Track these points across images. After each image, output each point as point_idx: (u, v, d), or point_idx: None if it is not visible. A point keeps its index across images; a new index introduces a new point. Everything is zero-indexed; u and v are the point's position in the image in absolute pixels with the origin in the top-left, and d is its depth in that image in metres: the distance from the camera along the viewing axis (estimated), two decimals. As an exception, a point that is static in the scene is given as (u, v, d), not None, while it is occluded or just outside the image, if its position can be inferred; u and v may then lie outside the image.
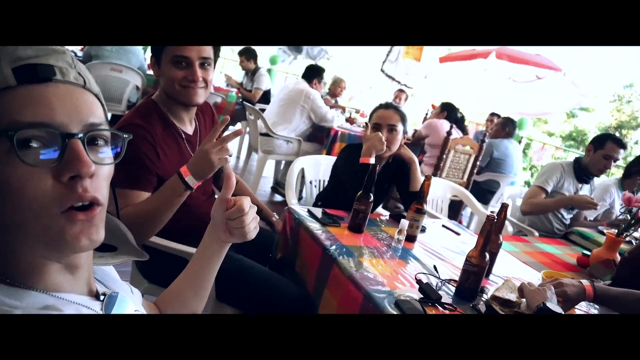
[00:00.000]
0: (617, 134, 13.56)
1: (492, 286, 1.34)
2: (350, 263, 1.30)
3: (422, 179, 1.69)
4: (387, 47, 5.99)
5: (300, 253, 1.54)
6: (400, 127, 1.89)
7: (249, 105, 4.05)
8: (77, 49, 4.70)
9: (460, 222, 4.37)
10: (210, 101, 4.13)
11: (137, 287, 1.54)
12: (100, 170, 0.53)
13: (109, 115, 3.11)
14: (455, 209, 3.78)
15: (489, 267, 1.44)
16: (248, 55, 5.12)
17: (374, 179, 1.54)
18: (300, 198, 3.92)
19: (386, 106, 1.94)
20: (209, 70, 1.38)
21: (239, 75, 5.54)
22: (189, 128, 1.47)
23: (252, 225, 0.80)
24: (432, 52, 5.98)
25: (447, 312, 1.14)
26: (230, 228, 0.79)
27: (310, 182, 2.32)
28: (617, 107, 14.06)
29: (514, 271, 1.58)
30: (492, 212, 3.98)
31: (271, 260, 1.69)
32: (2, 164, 0.47)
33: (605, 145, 2.48)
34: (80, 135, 0.50)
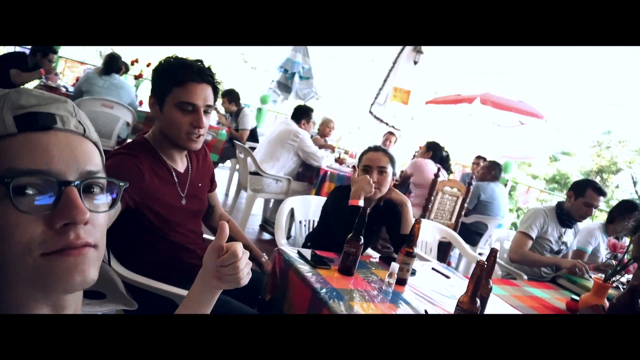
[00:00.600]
0: (599, 178, 13.92)
1: (484, 332, 1.33)
2: (341, 307, 1.28)
3: (412, 221, 1.70)
4: (376, 90, 6.16)
5: (289, 295, 1.52)
6: (389, 169, 1.91)
7: (239, 144, 4.08)
8: (68, 84, 4.73)
9: (449, 264, 4.37)
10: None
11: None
12: (95, 218, 0.53)
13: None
14: (444, 251, 3.78)
15: (480, 312, 1.43)
16: (230, 97, 5.19)
17: (365, 222, 1.54)
18: (288, 237, 3.89)
19: (375, 149, 1.97)
20: (209, 117, 1.41)
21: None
22: (180, 166, 1.47)
23: (246, 271, 0.79)
24: (419, 96, 6.15)
25: None
26: (223, 275, 0.78)
27: (300, 222, 2.31)
28: (597, 153, 14.47)
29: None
30: (480, 253, 3.99)
31: (259, 302, 1.65)
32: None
33: (586, 193, 2.54)
34: (77, 182, 0.51)
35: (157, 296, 1.36)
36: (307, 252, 1.65)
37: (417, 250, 2.45)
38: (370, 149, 1.98)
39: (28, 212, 0.48)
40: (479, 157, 5.46)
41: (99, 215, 0.54)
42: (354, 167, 1.95)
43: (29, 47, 4.32)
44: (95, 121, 3.75)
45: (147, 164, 1.35)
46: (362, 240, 1.54)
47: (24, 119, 0.49)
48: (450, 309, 1.27)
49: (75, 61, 6.15)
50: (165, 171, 1.42)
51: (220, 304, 1.43)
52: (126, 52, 4.81)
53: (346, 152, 5.60)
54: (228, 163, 5.38)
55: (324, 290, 1.37)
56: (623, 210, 2.74)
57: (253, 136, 5.19)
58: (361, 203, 1.80)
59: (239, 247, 0.77)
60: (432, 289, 1.64)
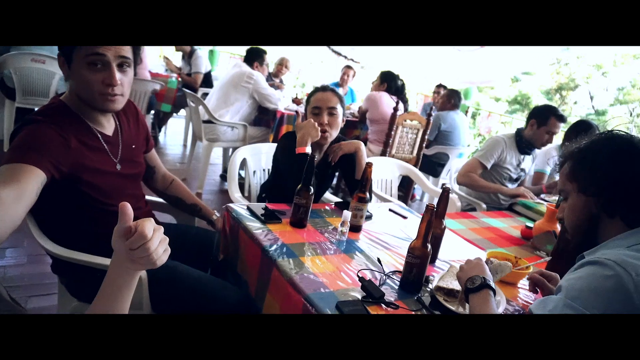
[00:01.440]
0: (558, 96, 14.17)
1: (438, 274, 1.32)
2: (291, 264, 1.24)
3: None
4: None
5: (241, 254, 1.46)
6: (339, 110, 1.82)
7: (189, 92, 3.85)
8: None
9: (413, 197, 4.43)
10: (149, 88, 3.95)
11: (66, 307, 1.43)
12: None
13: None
14: (407, 185, 3.80)
15: (434, 253, 1.42)
16: None
17: (313, 170, 1.47)
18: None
19: (323, 89, 1.86)
20: (128, 72, 1.24)
21: (177, 59, 5.25)
22: (107, 129, 1.33)
23: (160, 250, 0.71)
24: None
25: (390, 310, 1.10)
26: (135, 257, 0.70)
27: (254, 173, 2.23)
28: (556, 70, 14.60)
29: (460, 253, 1.57)
30: (443, 184, 4.05)
31: (212, 262, 1.60)
32: None
33: (549, 122, 2.54)
34: None
35: (94, 268, 1.28)
36: (258, 207, 1.58)
37: (376, 189, 2.44)
38: (318, 89, 1.87)
39: None
40: (439, 86, 5.39)
41: None
42: (296, 112, 1.85)
43: None
44: (26, 77, 3.44)
45: (70, 130, 1.20)
46: (312, 190, 1.48)
47: None
48: (405, 253, 1.24)
49: None
50: (91, 136, 1.27)
51: (166, 270, 1.37)
52: None
53: (303, 88, 5.40)
54: (183, 112, 5.14)
55: (273, 248, 1.32)
56: (580, 131, 2.76)
57: (208, 81, 4.91)
58: (308, 150, 1.71)
59: (147, 226, 0.68)
60: (388, 233, 1.62)
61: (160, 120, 4.99)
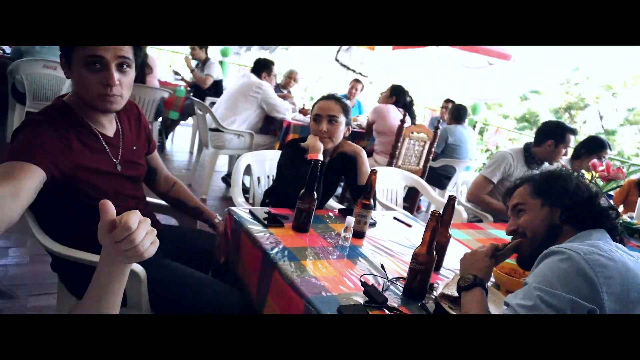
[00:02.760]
0: (567, 115, 14.12)
1: (443, 281, 1.29)
2: (292, 267, 1.21)
3: (368, 172, 1.62)
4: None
5: (242, 257, 1.44)
6: (342, 119, 1.80)
7: (196, 100, 3.88)
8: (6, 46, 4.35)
9: (419, 209, 4.39)
10: (157, 96, 3.97)
11: (64, 305, 1.41)
12: None
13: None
14: (413, 197, 3.77)
15: (439, 261, 1.39)
16: (200, 45, 4.90)
17: (316, 176, 1.45)
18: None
19: (327, 97, 1.86)
20: (128, 73, 1.22)
21: (187, 74, 5.31)
22: (109, 130, 1.32)
23: (147, 242, 0.68)
24: (385, 40, 5.94)
25: (394, 315, 1.07)
26: (121, 250, 0.68)
27: (258, 179, 2.22)
28: (565, 90, 14.57)
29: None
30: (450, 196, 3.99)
31: (213, 265, 1.58)
32: None
33: (565, 139, 2.54)
34: None
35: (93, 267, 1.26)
36: (260, 211, 1.56)
37: (381, 199, 2.41)
38: (322, 98, 1.87)
39: None
40: (447, 101, 5.38)
41: None
42: (300, 110, 1.84)
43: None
44: (37, 83, 3.48)
45: (70, 131, 1.20)
46: (316, 196, 1.46)
47: None
48: (409, 260, 1.22)
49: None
50: (92, 137, 1.27)
51: (167, 271, 1.36)
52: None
53: (312, 100, 5.42)
54: (190, 120, 5.17)
55: (274, 251, 1.29)
56: (591, 147, 2.74)
57: (218, 89, 4.94)
58: (320, 157, 1.70)
59: (131, 218, 0.66)
60: (392, 240, 1.60)
61: (168, 128, 5.02)
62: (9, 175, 1.00)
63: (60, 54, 1.20)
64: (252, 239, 1.37)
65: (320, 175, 1.64)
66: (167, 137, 5.09)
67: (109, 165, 1.31)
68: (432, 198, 2.69)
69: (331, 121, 1.76)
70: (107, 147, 1.30)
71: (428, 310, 1.13)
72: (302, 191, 1.46)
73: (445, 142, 4.22)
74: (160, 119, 4.47)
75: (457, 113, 4.39)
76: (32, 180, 1.04)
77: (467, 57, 5.49)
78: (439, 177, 4.19)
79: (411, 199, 3.86)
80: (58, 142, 1.15)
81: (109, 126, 1.33)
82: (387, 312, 1.08)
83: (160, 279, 1.32)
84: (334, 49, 6.30)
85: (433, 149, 3.78)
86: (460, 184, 3.26)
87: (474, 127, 5.22)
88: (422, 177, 3.69)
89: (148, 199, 1.58)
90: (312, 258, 1.30)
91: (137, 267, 1.26)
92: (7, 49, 3.94)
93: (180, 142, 5.37)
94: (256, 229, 1.43)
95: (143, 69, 3.91)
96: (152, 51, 4.20)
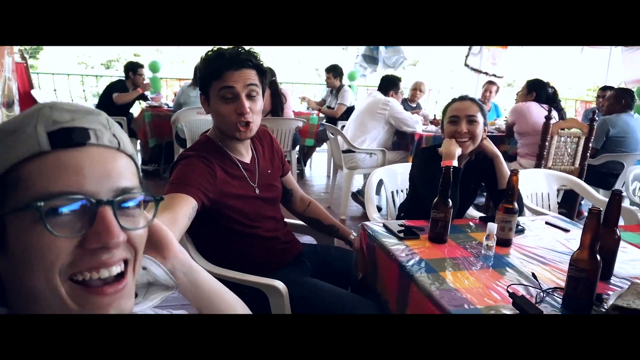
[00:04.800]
0: None
1: (615, 291, 1.09)
2: (430, 279, 1.15)
3: (508, 174, 1.47)
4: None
5: (379, 272, 1.42)
6: (480, 118, 1.68)
7: (328, 124, 4.04)
8: (169, 99, 5.11)
9: (580, 214, 3.85)
10: (292, 126, 4.24)
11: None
12: (133, 234, 0.52)
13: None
14: (571, 201, 3.34)
15: (606, 268, 1.18)
16: (335, 73, 5.14)
17: (449, 182, 1.37)
18: (380, 209, 3.77)
19: (462, 98, 1.75)
20: (256, 100, 1.34)
21: (317, 95, 5.59)
22: (246, 157, 1.45)
23: None
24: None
25: (551, 330, 0.93)
26: None
27: (392, 193, 2.19)
28: None
29: (645, 270, 1.28)
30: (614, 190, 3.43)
31: (352, 281, 1.59)
32: (28, 232, 0.47)
33: None
34: (110, 200, 0.49)
35: (249, 288, 1.36)
36: (394, 224, 1.53)
37: (530, 204, 2.17)
38: (455, 99, 1.77)
39: (62, 235, 0.47)
40: (604, 89, 4.69)
41: (136, 231, 0.53)
42: (432, 121, 1.76)
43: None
44: (193, 128, 4.00)
45: (215, 162, 1.35)
46: (451, 204, 1.38)
47: (58, 136, 0.48)
48: (567, 268, 1.06)
49: (172, 79, 6.68)
50: (232, 165, 1.40)
51: (307, 287, 1.40)
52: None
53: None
54: (325, 145, 5.39)
55: (410, 263, 1.25)
56: None
57: (350, 115, 5.11)
58: (455, 163, 1.61)
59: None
60: (545, 247, 1.41)
61: (305, 155, 5.31)
62: (167, 206, 1.16)
63: (200, 92, 1.36)
64: (387, 252, 1.35)
65: (455, 182, 1.55)
66: (305, 164, 5.38)
67: (249, 190, 1.43)
68: (595, 199, 2.33)
69: (470, 121, 1.66)
70: (245, 173, 1.42)
71: (598, 325, 0.96)
72: (436, 200, 1.39)
73: (605, 136, 3.66)
74: (297, 147, 4.75)
75: (619, 100, 3.77)
76: (185, 208, 1.19)
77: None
78: (603, 176, 3.63)
79: (569, 204, 3.41)
80: (206, 174, 1.30)
81: (246, 154, 1.45)
82: (544, 326, 0.94)
83: (303, 296, 1.37)
84: (463, 55, 6.03)
85: (590, 145, 3.31)
86: (631, 181, 2.78)
87: (643, 114, 4.44)
88: (579, 177, 3.24)
89: (287, 220, 1.67)
90: (452, 269, 1.22)
91: (279, 285, 1.32)
92: (171, 104, 4.63)
93: (318, 168, 5.63)
94: (391, 242, 1.40)
95: (280, 101, 4.22)
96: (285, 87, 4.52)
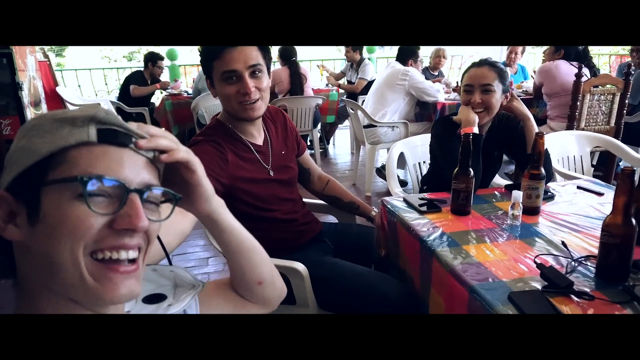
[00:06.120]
0: None
1: (654, 257, 1.02)
2: (452, 254, 1.10)
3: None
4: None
5: (402, 248, 1.38)
6: (498, 87, 1.57)
7: (347, 100, 3.96)
8: (188, 86, 5.12)
9: (618, 176, 3.66)
10: (312, 104, 4.18)
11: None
12: (150, 226, 0.57)
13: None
14: (607, 163, 3.17)
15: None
16: (354, 47, 5.01)
17: (469, 152, 1.30)
18: (406, 183, 3.69)
19: (479, 64, 1.65)
20: (261, 77, 1.29)
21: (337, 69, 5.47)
22: (258, 139, 1.41)
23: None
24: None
25: (583, 301, 0.88)
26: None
27: (416, 166, 2.12)
28: None
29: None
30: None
31: (375, 258, 1.55)
32: (66, 204, 0.52)
33: None
34: (140, 189, 0.55)
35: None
36: (415, 198, 1.48)
37: (560, 168, 2.07)
38: (473, 65, 1.67)
39: (96, 211, 0.52)
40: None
41: (153, 224, 0.58)
42: (454, 88, 1.68)
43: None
44: (214, 113, 4.00)
45: (226, 146, 1.32)
46: (472, 173, 1.32)
47: (106, 133, 0.55)
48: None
49: (191, 65, 6.67)
50: (244, 148, 1.37)
51: (327, 267, 1.38)
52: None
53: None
54: (347, 122, 5.30)
55: (432, 237, 1.20)
56: None
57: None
58: (476, 130, 1.53)
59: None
60: (578, 213, 1.34)
61: (327, 133, 5.24)
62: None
63: (205, 77, 1.33)
64: (407, 227, 1.30)
65: (477, 151, 1.47)
66: (328, 142, 5.32)
67: (262, 172, 1.40)
68: (633, 159, 2.20)
69: (485, 91, 1.56)
70: (258, 156, 1.39)
71: (635, 293, 0.89)
72: (456, 170, 1.33)
73: (642, 90, 3.44)
74: (319, 125, 4.69)
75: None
76: None
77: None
78: (641, 134, 3.44)
79: (606, 166, 3.24)
80: (217, 158, 1.28)
81: (258, 135, 1.41)
82: (574, 298, 0.89)
83: (323, 276, 1.35)
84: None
85: (626, 101, 3.11)
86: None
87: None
88: (616, 137, 3.07)
89: (307, 200, 1.64)
90: (475, 242, 1.17)
91: (299, 266, 1.30)
92: (190, 90, 4.64)
93: (342, 145, 5.56)
94: (412, 216, 1.35)
95: (300, 81, 4.16)
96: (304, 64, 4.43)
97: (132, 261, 0.56)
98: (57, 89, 4.93)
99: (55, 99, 4.73)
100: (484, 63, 1.63)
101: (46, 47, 5.21)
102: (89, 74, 6.49)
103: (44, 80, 4.76)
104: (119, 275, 0.54)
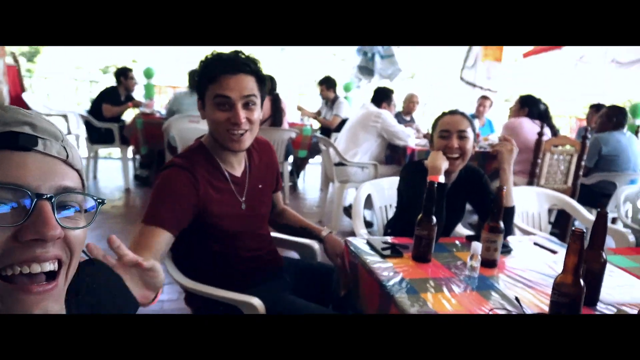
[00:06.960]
0: None
1: (600, 318, 1.05)
2: (410, 301, 1.11)
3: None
4: (463, 54, 5.65)
5: (361, 290, 1.38)
6: (470, 134, 1.65)
7: (320, 136, 4.01)
8: (162, 107, 5.08)
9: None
10: (285, 137, 4.21)
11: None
12: (71, 233, 0.53)
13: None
14: (564, 221, 3.31)
15: (592, 294, 1.14)
16: (328, 85, 5.13)
17: (434, 199, 1.34)
18: (372, 224, 3.72)
19: (453, 112, 1.72)
20: (253, 110, 1.28)
21: (314, 107, 5.57)
22: (237, 170, 1.39)
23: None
24: (514, 50, 5.51)
25: None
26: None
27: (383, 208, 2.15)
28: None
29: (636, 295, 1.24)
30: (613, 218, 3.38)
31: (334, 298, 1.54)
32: None
33: None
34: (50, 196, 0.50)
35: (224, 305, 1.31)
36: (378, 241, 1.49)
37: (521, 223, 2.14)
38: (445, 113, 1.73)
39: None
40: (593, 106, 4.68)
41: (75, 232, 0.53)
42: (425, 135, 1.73)
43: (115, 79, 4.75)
44: (184, 136, 3.96)
45: (201, 173, 1.28)
46: (435, 221, 1.34)
47: (5, 137, 0.50)
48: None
49: (166, 86, 6.65)
50: (220, 177, 1.34)
51: (284, 305, 1.35)
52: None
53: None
54: (318, 158, 5.36)
55: (391, 283, 1.20)
56: None
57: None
58: (441, 179, 1.57)
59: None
60: (533, 269, 1.38)
61: (298, 167, 5.27)
62: (145, 246, 1.14)
63: (197, 97, 1.31)
64: (369, 270, 1.30)
65: (441, 199, 1.51)
66: (298, 177, 5.34)
67: (235, 205, 1.36)
68: (586, 220, 2.30)
69: (461, 137, 1.63)
70: (233, 187, 1.36)
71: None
72: (420, 216, 1.35)
73: (598, 154, 3.64)
74: (290, 158, 4.72)
75: (611, 117, 3.76)
76: (163, 243, 1.18)
77: (617, 51, 4.77)
78: (595, 196, 3.60)
79: (562, 224, 3.38)
80: (187, 191, 1.24)
81: (237, 166, 1.39)
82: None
83: (279, 313, 1.32)
84: (458, 69, 6.04)
85: (583, 163, 3.29)
86: (622, 202, 2.76)
87: (637, 132, 4.44)
88: (572, 196, 3.22)
89: (273, 234, 1.61)
90: (433, 291, 1.18)
91: (256, 301, 1.28)
92: (163, 112, 4.59)
93: (311, 181, 5.59)
94: (373, 259, 1.36)
95: (280, 113, 4.18)
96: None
97: (50, 277, 0.51)
98: (23, 95, 4.79)
99: (20, 105, 4.58)
100: (457, 112, 1.71)
101: (17, 52, 5.09)
102: (60, 83, 6.36)
103: (10, 85, 4.62)
104: (31, 296, 0.49)
